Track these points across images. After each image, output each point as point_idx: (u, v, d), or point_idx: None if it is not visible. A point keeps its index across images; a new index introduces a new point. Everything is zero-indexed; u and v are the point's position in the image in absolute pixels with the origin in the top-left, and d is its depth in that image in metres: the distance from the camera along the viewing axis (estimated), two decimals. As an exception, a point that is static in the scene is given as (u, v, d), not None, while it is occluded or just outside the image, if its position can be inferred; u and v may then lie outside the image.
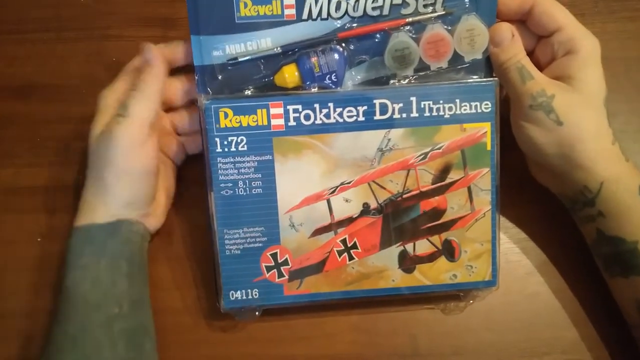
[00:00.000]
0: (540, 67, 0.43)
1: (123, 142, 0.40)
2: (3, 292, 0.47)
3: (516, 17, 0.42)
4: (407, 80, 0.43)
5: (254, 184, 0.42)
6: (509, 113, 0.43)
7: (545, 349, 0.46)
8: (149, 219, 0.44)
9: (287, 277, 0.43)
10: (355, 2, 0.42)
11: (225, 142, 0.42)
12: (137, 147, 0.40)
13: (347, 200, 0.43)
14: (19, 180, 0.49)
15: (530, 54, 0.43)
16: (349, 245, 0.44)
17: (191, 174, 0.44)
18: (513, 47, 0.42)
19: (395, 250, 0.44)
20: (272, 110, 0.42)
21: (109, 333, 0.40)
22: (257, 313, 0.44)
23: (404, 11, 0.42)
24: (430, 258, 0.44)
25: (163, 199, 0.45)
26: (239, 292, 0.43)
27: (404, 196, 0.44)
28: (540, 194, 0.46)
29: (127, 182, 0.41)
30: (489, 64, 0.43)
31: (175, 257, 0.47)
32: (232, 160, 0.42)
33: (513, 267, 0.48)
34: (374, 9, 0.42)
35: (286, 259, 0.43)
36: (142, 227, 0.43)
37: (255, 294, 0.43)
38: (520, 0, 0.42)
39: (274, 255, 0.43)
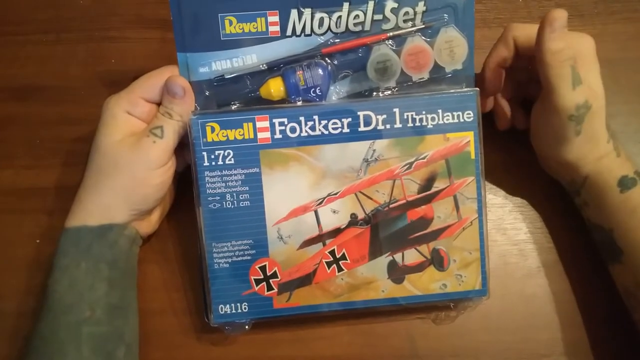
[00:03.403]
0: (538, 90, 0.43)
1: (156, 161, 0.42)
2: (2, 293, 0.47)
3: (511, 56, 0.44)
4: (389, 92, 0.44)
5: (242, 196, 0.43)
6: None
7: (544, 351, 0.46)
8: (142, 224, 0.44)
9: (276, 289, 0.43)
10: (338, 18, 0.43)
11: (213, 156, 0.42)
12: (163, 166, 0.42)
13: (334, 211, 0.44)
14: (18, 181, 0.49)
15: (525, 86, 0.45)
16: (337, 257, 0.44)
17: (189, 178, 0.45)
18: (569, 37, 0.39)
19: (384, 260, 0.44)
20: (258, 124, 0.43)
21: (76, 336, 0.39)
22: (246, 327, 0.44)
23: (384, 26, 0.43)
24: (420, 268, 0.44)
25: (161, 207, 0.46)
26: (228, 306, 0.43)
27: (391, 206, 0.44)
28: (538, 196, 0.47)
29: (141, 193, 0.42)
30: (469, 74, 0.44)
31: (170, 262, 0.48)
32: (219, 173, 0.43)
33: (511, 269, 0.48)
34: (355, 24, 0.43)
35: (275, 271, 0.43)
36: (134, 231, 0.44)
37: (245, 308, 0.43)
38: (502, 41, 0.43)
39: (263, 268, 0.43)
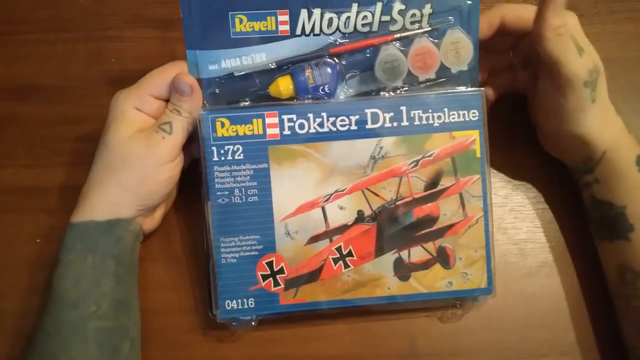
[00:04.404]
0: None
1: (165, 157, 0.42)
2: (2, 293, 0.46)
3: (490, 34, 0.44)
4: (397, 92, 0.44)
5: (250, 192, 0.43)
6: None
7: (544, 350, 0.46)
8: (146, 220, 0.44)
9: (283, 285, 0.43)
10: (346, 19, 0.44)
11: (222, 151, 0.43)
12: (172, 161, 0.42)
13: (341, 208, 0.44)
14: (18, 180, 0.49)
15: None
16: (344, 253, 0.44)
17: (193, 174, 0.45)
18: (567, 13, 0.40)
19: (390, 257, 0.44)
20: (268, 120, 0.43)
21: (81, 331, 0.39)
22: (253, 323, 0.44)
23: (392, 27, 0.44)
24: (426, 265, 0.44)
25: (165, 203, 0.46)
26: (234, 301, 0.43)
27: (397, 203, 0.44)
28: (538, 195, 0.47)
29: (149, 188, 0.42)
30: (474, 75, 0.45)
31: (174, 259, 0.48)
32: (228, 168, 0.43)
33: (512, 268, 0.48)
34: (363, 25, 0.44)
35: (282, 267, 0.43)
36: (138, 227, 0.43)
37: (251, 304, 0.43)
38: (487, 19, 0.44)
39: (270, 264, 0.43)
